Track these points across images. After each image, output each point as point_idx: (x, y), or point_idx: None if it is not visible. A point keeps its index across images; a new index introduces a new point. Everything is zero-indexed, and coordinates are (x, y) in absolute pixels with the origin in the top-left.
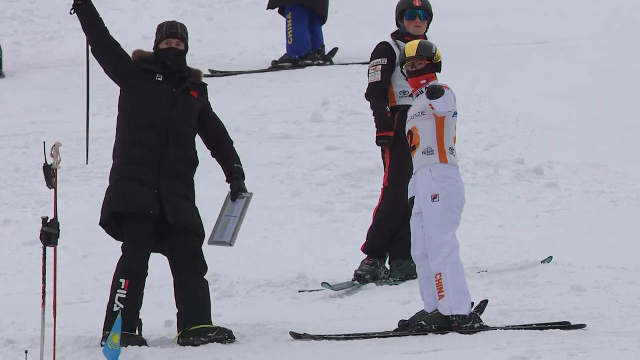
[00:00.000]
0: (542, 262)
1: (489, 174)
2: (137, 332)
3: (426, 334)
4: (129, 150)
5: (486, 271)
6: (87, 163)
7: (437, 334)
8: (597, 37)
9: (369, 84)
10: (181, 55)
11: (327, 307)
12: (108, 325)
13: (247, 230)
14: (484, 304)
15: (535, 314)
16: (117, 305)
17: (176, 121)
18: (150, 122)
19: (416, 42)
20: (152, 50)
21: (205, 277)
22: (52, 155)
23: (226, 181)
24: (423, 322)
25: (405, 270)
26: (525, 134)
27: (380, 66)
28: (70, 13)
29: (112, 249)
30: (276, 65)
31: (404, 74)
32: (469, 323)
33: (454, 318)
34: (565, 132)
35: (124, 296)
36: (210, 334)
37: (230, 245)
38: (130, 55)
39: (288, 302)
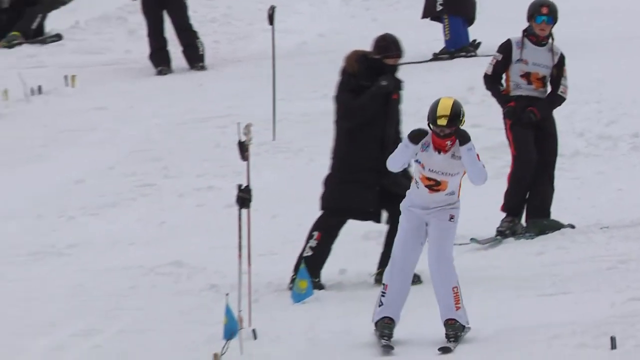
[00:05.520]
0: None
1: (608, 147)
2: (318, 279)
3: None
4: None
5: (607, 227)
6: (273, 139)
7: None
8: None
9: (484, 73)
10: None
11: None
12: (297, 268)
13: None
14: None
15: None
16: (307, 252)
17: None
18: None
19: (448, 107)
20: (371, 57)
21: None
22: (245, 134)
23: None
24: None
25: (539, 226)
26: None
27: (495, 60)
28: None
29: (296, 211)
30: (436, 57)
31: (432, 130)
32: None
33: (468, 328)
34: None
35: (314, 245)
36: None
37: None
38: (346, 59)
39: None
